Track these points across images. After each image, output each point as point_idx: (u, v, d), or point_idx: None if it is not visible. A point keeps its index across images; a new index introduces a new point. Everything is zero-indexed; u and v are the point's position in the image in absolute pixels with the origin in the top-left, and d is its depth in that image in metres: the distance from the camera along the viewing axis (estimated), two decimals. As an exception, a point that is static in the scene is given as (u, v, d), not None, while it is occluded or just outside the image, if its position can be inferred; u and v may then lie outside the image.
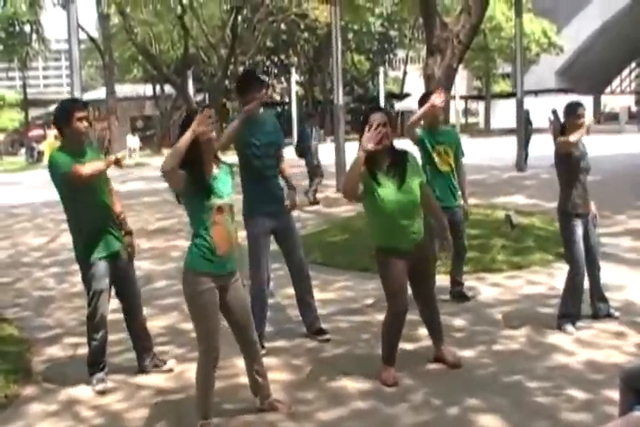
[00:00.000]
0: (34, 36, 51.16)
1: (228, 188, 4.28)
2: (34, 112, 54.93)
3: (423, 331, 5.64)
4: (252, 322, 4.53)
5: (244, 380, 4.76)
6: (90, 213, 5.05)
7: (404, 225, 4.87)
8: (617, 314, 6.20)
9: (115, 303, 5.46)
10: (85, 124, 4.99)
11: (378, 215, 4.90)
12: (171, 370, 5.35)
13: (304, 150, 15.21)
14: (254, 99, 5.60)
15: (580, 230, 5.93)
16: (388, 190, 4.83)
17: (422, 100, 6.53)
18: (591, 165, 6.03)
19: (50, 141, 43.95)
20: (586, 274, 6.03)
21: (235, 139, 5.59)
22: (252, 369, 4.55)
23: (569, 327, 5.91)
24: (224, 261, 4.23)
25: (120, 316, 5.61)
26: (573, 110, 5.93)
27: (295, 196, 5.96)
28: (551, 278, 7.60)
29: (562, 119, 6.09)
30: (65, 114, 5.00)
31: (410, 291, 5.09)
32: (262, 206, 5.71)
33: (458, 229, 6.74)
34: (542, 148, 22.98)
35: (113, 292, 5.30)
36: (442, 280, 6.81)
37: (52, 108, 61.97)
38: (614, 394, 3.65)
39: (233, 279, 4.34)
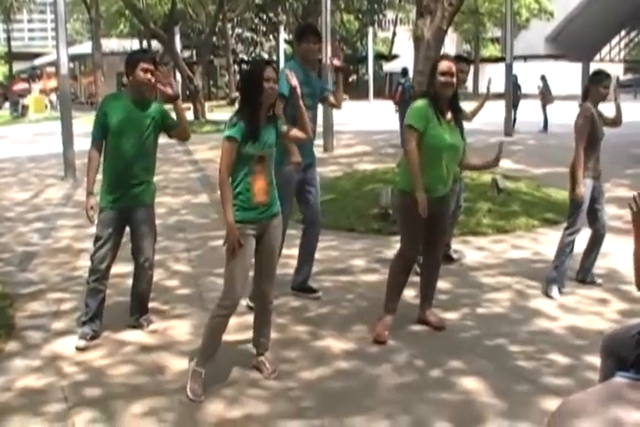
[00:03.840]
0: (18, -13, 50.26)
1: (271, 140, 4.32)
2: (18, 66, 54.19)
3: (408, 292, 5.66)
4: (274, 274, 4.56)
5: (228, 338, 4.77)
6: (114, 161, 5.07)
7: (445, 170, 5.02)
8: (599, 281, 6.26)
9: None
10: (149, 76, 4.98)
11: (427, 154, 4.93)
12: (154, 331, 5.33)
13: (407, 103, 17.36)
14: (308, 49, 5.84)
15: (588, 193, 6.05)
16: (445, 133, 4.96)
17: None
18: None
19: (35, 96, 43.51)
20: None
21: None
22: (259, 319, 4.59)
23: (554, 291, 5.98)
24: (262, 209, 4.29)
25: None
26: (599, 80, 6.08)
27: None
28: (535, 243, 7.64)
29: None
30: (131, 62, 5.03)
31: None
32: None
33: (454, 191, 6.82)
34: (530, 113, 23.06)
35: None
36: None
37: (37, 61, 60.77)
38: (596, 360, 3.67)
39: (273, 222, 4.39)
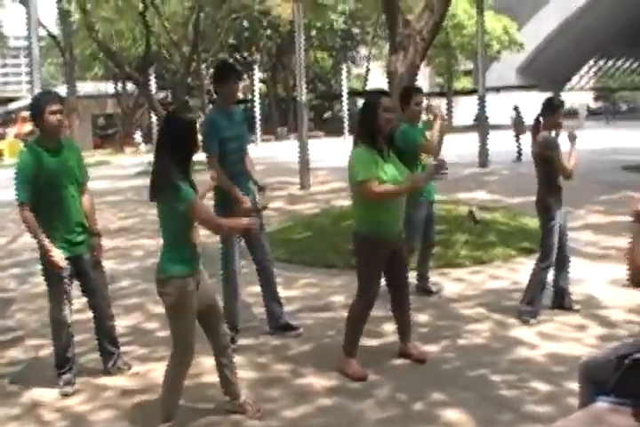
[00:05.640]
0: (-9, 33, 50.41)
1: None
2: (-8, 110, 54.07)
3: (388, 327, 5.68)
4: (221, 311, 4.56)
5: (210, 378, 4.74)
6: (50, 212, 4.93)
7: (397, 209, 4.97)
8: (577, 307, 6.30)
9: (79, 303, 5.40)
10: (59, 117, 4.91)
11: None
12: (136, 374, 5.28)
13: None
14: (233, 90, 5.71)
15: (557, 224, 6.07)
16: (391, 174, 4.88)
17: (404, 96, 6.67)
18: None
19: (10, 140, 43.46)
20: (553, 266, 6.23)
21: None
22: (222, 366, 4.48)
23: (530, 318, 6.03)
24: (198, 259, 4.25)
25: (82, 316, 5.56)
26: (554, 107, 6.07)
27: (266, 195, 5.95)
28: (513, 273, 7.68)
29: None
30: (37, 108, 4.91)
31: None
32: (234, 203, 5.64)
33: (432, 221, 7.04)
34: (502, 144, 23.31)
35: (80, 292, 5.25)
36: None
37: (12, 106, 60.28)
38: (577, 386, 3.69)
39: (203, 272, 4.33)
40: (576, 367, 3.54)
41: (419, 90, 7.00)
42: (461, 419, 4.33)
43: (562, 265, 6.27)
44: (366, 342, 5.35)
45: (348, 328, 5.15)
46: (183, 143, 4.06)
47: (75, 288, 5.19)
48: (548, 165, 6.02)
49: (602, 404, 3.06)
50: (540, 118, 6.10)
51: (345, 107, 46.31)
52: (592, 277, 7.32)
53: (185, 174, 4.07)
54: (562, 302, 6.34)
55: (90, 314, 5.36)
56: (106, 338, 5.33)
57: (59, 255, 4.91)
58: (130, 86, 45.96)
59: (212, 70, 53.77)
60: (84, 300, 5.34)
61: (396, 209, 4.97)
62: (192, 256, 4.19)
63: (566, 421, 3.03)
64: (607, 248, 8.68)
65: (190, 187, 4.05)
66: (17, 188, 4.88)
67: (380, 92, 5.12)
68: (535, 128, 6.12)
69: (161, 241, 4.22)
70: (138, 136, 44.73)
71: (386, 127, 4.92)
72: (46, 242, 4.90)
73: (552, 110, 6.06)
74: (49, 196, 4.90)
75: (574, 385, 4.07)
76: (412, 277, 6.98)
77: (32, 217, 4.88)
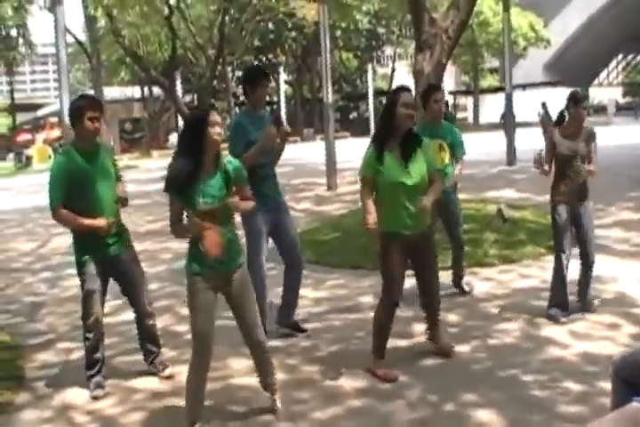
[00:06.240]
0: (20, 41, 51.06)
1: (220, 192, 4.11)
2: (22, 117, 54.74)
3: (417, 327, 5.64)
4: (258, 319, 4.43)
5: (239, 381, 4.73)
6: (85, 213, 4.92)
7: (409, 209, 4.84)
8: (596, 302, 6.19)
9: (109, 306, 5.43)
10: (97, 124, 4.92)
11: (383, 197, 4.86)
12: (170, 377, 5.28)
13: None
14: (263, 94, 5.80)
15: (563, 218, 5.97)
16: (394, 171, 4.82)
17: (423, 96, 6.61)
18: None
19: (39, 146, 43.96)
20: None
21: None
22: (259, 369, 4.51)
23: (559, 317, 5.94)
24: (218, 264, 4.19)
25: (114, 319, 5.58)
26: (577, 100, 5.93)
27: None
28: (543, 271, 7.59)
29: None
30: (77, 111, 4.92)
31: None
32: (262, 204, 5.67)
33: (454, 221, 6.87)
34: (530, 141, 23.13)
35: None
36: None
37: (40, 112, 61.03)
38: (610, 386, 3.64)
39: (236, 275, 4.27)
40: (609, 367, 3.49)
41: (437, 87, 6.94)
42: (492, 419, 4.29)
43: (581, 272, 6.15)
44: (396, 342, 5.32)
45: (375, 329, 5.13)
46: (193, 138, 4.06)
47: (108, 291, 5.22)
48: (557, 159, 6.01)
49: (637, 404, 3.01)
50: (565, 113, 6.06)
51: (371, 107, 46.20)
52: (623, 274, 7.22)
53: (196, 172, 4.05)
54: (583, 306, 6.20)
55: (120, 317, 5.39)
56: (147, 336, 5.35)
57: (98, 221, 4.91)
58: (156, 90, 46.21)
59: (237, 73, 54.11)
60: (113, 303, 5.37)
61: (403, 208, 4.84)
62: (200, 257, 4.17)
63: (600, 422, 2.98)
64: (638, 245, 8.57)
65: (194, 186, 4.04)
66: (50, 191, 4.90)
67: (401, 88, 5.03)
68: (558, 122, 6.11)
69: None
70: (173, 138, 44.74)
71: (406, 123, 4.85)
72: (86, 221, 4.90)
73: (575, 103, 5.94)
74: (83, 197, 4.92)
75: (607, 385, 4.02)
76: (446, 276, 6.95)
77: (66, 213, 4.88)
